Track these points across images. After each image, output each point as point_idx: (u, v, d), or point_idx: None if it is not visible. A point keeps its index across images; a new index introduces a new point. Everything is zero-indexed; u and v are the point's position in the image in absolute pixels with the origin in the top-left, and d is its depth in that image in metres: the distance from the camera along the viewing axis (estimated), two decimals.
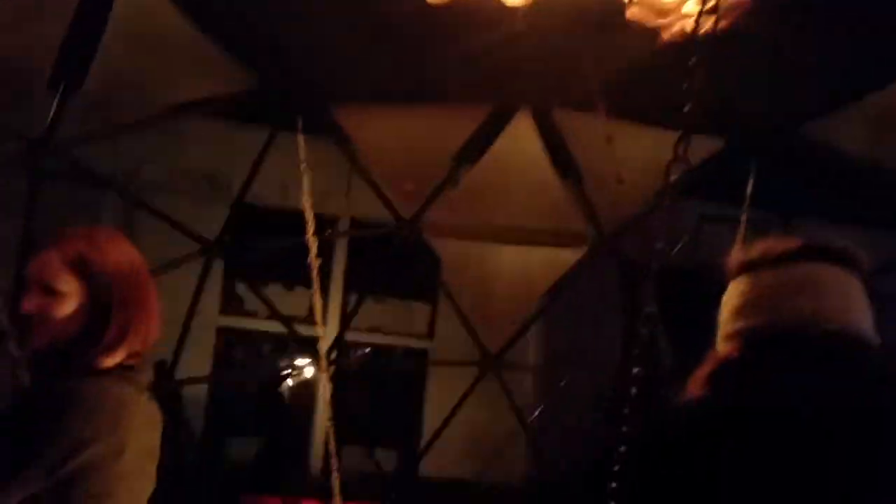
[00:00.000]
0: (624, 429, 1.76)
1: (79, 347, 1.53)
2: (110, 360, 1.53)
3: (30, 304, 1.53)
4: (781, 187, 6.35)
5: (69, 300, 1.52)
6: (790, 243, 1.21)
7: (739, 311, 1.19)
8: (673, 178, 2.16)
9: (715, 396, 1.15)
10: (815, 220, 6.67)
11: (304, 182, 3.21)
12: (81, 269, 1.53)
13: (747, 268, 1.21)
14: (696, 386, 1.19)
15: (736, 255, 1.26)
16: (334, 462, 3.14)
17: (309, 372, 10.23)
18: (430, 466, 9.84)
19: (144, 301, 1.60)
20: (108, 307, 1.54)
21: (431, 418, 10.74)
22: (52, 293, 1.52)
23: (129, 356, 1.57)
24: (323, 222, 10.30)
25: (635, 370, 1.80)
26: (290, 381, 10.01)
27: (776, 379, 1.08)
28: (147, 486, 1.64)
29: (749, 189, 5.69)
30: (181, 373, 8.42)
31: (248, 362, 12.61)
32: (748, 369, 1.13)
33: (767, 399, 1.06)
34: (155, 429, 1.65)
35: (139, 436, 1.54)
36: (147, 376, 1.63)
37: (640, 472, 1.12)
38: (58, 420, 1.40)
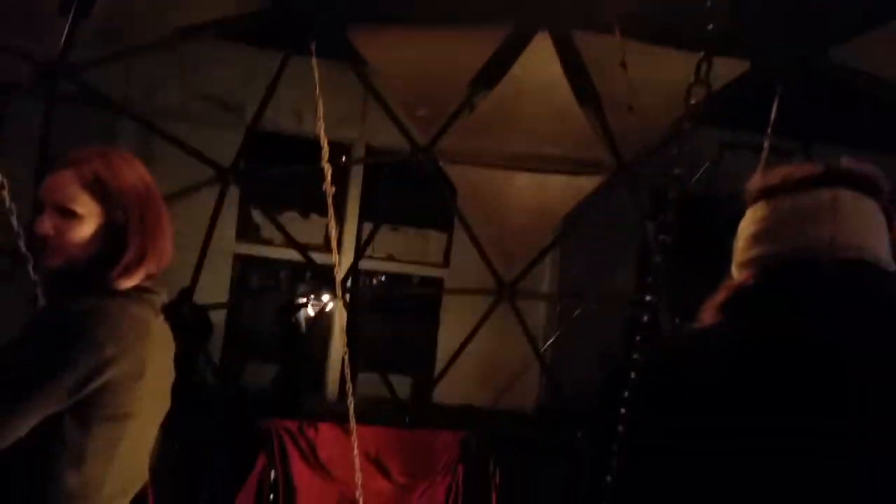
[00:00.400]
0: (636, 356, 1.73)
1: (97, 269, 1.51)
2: (128, 282, 1.51)
3: (46, 226, 1.50)
4: (804, 113, 6.20)
5: (87, 222, 1.50)
6: (810, 168, 1.15)
7: (756, 238, 1.14)
8: (694, 101, 2.09)
9: (728, 325, 1.10)
10: (838, 146, 6.52)
11: (318, 108, 3.15)
12: (98, 190, 1.50)
13: (766, 193, 1.16)
14: (708, 314, 1.14)
15: (754, 181, 1.20)
16: (350, 387, 3.18)
17: (325, 299, 10.33)
18: (443, 393, 10.01)
19: (159, 223, 1.58)
20: (125, 229, 1.51)
21: (445, 346, 10.87)
22: (69, 215, 1.49)
23: (146, 278, 1.56)
24: (338, 149, 10.24)
25: (649, 298, 1.76)
26: (307, 309, 10.12)
27: (791, 308, 1.04)
28: (163, 407, 1.65)
29: (773, 114, 5.54)
30: (200, 299, 8.53)
31: (264, 289, 12.76)
32: (763, 297, 1.08)
33: (781, 329, 1.02)
34: (170, 351, 1.65)
35: (156, 357, 1.54)
36: (161, 299, 1.61)
37: (646, 399, 1.07)
38: (82, 338, 1.38)
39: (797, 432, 0.94)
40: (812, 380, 0.96)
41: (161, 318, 1.60)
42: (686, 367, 1.06)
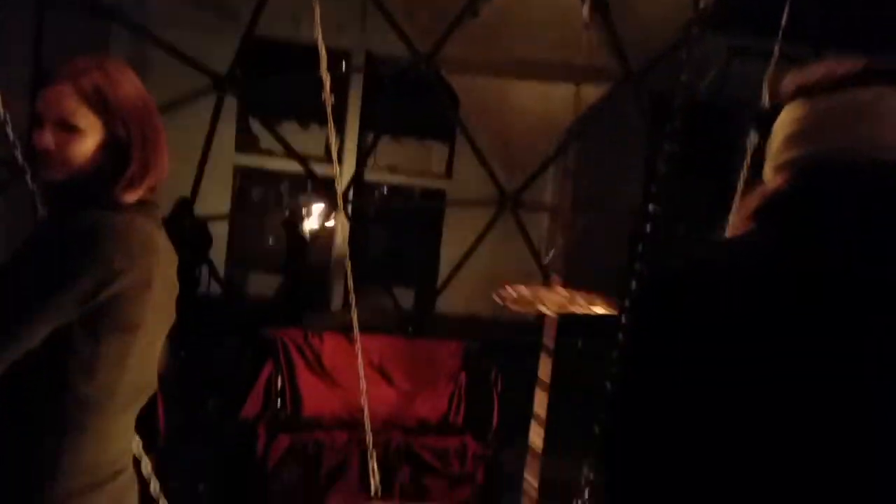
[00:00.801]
0: (638, 266, 1.71)
1: (101, 183, 1.50)
2: (132, 196, 1.50)
3: (47, 140, 1.47)
4: (816, 18, 6.01)
5: (88, 136, 1.47)
6: (851, 65, 1.06)
7: (792, 140, 1.06)
8: (703, 5, 2.00)
9: (759, 234, 1.02)
10: (849, 53, 6.34)
11: (315, 13, 3.04)
12: (98, 103, 1.46)
13: (803, 92, 1.07)
14: (739, 222, 1.06)
15: (792, 79, 1.10)
16: (353, 298, 3.20)
17: (327, 212, 10.33)
18: (446, 304, 10.13)
19: (158, 135, 1.56)
20: (127, 142, 1.49)
21: (448, 257, 10.94)
22: (70, 129, 1.46)
23: (147, 191, 1.55)
24: (337, 57, 10.02)
25: (653, 208, 1.72)
26: (310, 221, 10.13)
27: (828, 213, 0.97)
28: (169, 318, 1.66)
29: (784, 19, 5.36)
30: (200, 211, 8.52)
31: (265, 201, 12.75)
32: (798, 202, 1.00)
33: (816, 239, 0.95)
34: (173, 263, 1.65)
35: (161, 270, 1.54)
36: (161, 211, 1.61)
37: (665, 311, 0.98)
38: (90, 249, 1.38)
39: (823, 358, 0.88)
40: (848, 305, 0.89)
41: (163, 230, 1.59)
42: (713, 280, 0.96)
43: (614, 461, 0.99)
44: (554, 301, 2.44)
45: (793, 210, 1.00)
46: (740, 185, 3.20)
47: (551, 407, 6.01)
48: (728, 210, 3.26)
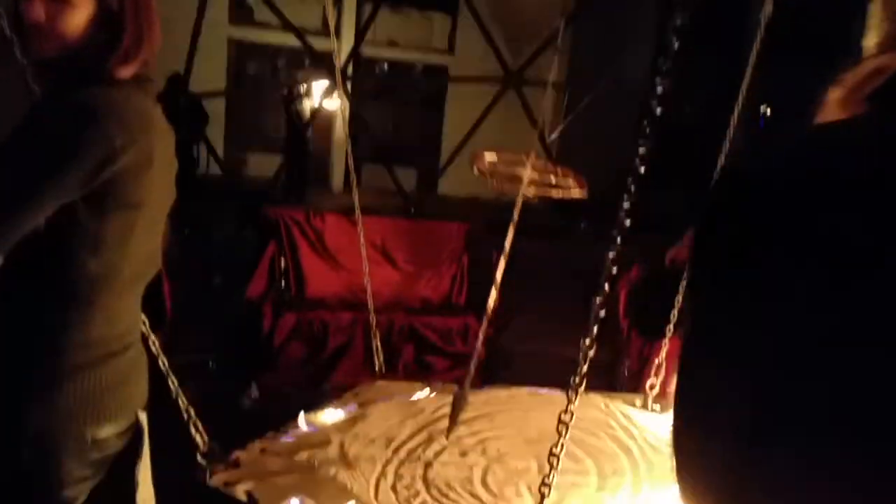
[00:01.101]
0: (642, 150, 1.65)
1: (94, 58, 1.44)
2: (127, 71, 1.46)
3: (37, 12, 1.41)
4: None
5: (80, 8, 1.41)
6: None
7: None
8: None
9: (880, 119, 0.79)
10: None
11: None
12: None
13: None
14: (840, 105, 0.83)
15: None
16: (353, 178, 3.16)
17: (327, 89, 10.06)
18: (448, 185, 10.08)
19: (150, 6, 1.49)
20: (119, 14, 1.43)
21: (450, 137, 10.77)
22: (60, 0, 1.40)
23: (142, 66, 1.50)
24: None
25: (661, 86, 1.63)
26: (309, 98, 9.88)
27: None
28: (170, 195, 1.66)
29: None
30: (195, 87, 8.31)
31: (262, 77, 12.42)
32: None
33: None
34: (170, 140, 1.63)
35: (160, 146, 1.52)
36: (157, 86, 1.56)
37: (742, 219, 0.76)
38: (91, 127, 1.35)
39: None
40: None
41: (159, 106, 1.55)
42: (825, 180, 0.73)
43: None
44: (529, 178, 2.43)
45: None
46: (752, 60, 3.08)
47: (552, 288, 6.09)
48: (736, 86, 3.15)
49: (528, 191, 2.40)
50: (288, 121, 9.92)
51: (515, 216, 2.46)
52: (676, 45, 1.64)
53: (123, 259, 1.47)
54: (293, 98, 9.92)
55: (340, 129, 10.05)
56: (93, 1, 1.42)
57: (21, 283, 1.44)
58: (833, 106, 0.82)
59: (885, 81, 0.80)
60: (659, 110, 1.62)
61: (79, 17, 1.41)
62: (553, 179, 2.23)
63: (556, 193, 2.25)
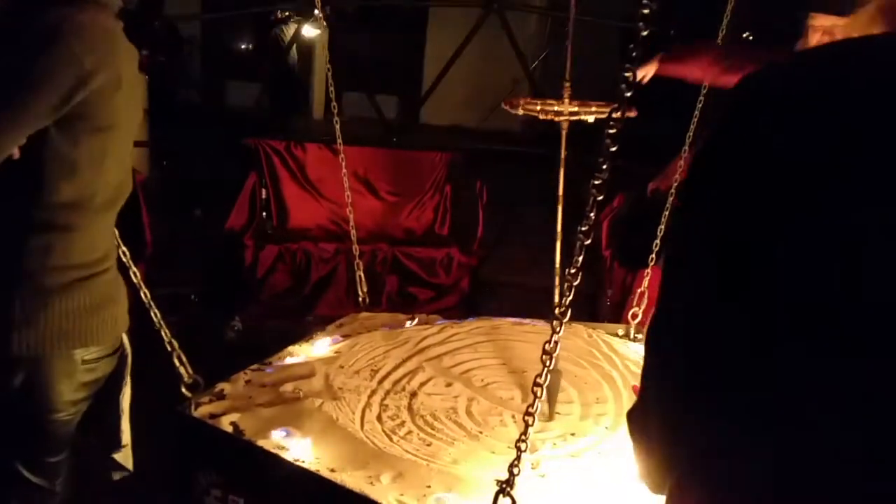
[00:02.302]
0: (627, 74, 1.60)
1: None
2: None
3: None
4: None
5: None
6: None
7: None
8: None
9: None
10: None
11: None
12: None
13: None
14: (857, 23, 0.79)
15: None
16: (335, 106, 3.09)
17: (306, 14, 9.77)
18: (431, 114, 9.91)
19: None
20: None
21: (432, 65, 10.56)
22: None
23: None
24: None
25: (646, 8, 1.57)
26: (287, 24, 9.59)
27: None
28: (138, 117, 1.64)
29: None
30: (169, 10, 8.05)
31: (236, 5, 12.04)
32: None
33: None
34: (135, 60, 1.58)
35: (126, 66, 1.49)
36: (117, 3, 1.50)
37: (742, 136, 0.72)
38: (60, 51, 1.32)
39: None
40: None
41: (121, 25, 1.50)
42: (840, 90, 0.70)
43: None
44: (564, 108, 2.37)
45: None
46: None
47: (537, 217, 6.08)
48: (719, 15, 3.08)
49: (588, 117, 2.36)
50: (268, 47, 9.65)
51: (563, 152, 2.40)
52: None
53: (98, 183, 1.47)
54: (272, 24, 9.64)
55: (320, 56, 9.82)
56: None
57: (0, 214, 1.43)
58: (853, 22, 0.79)
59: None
60: (645, 32, 1.57)
61: None
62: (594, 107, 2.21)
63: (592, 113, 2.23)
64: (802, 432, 0.68)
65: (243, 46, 11.66)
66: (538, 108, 2.39)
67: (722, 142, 0.76)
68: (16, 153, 1.36)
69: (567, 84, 2.41)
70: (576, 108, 2.35)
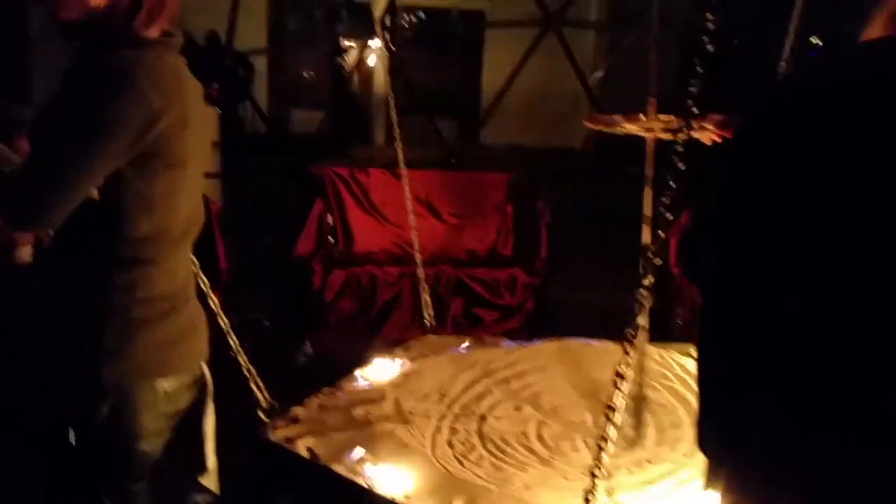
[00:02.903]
0: (693, 89, 1.59)
1: (118, 19, 1.44)
2: (153, 30, 1.46)
3: None
4: None
5: None
6: None
7: None
8: None
9: None
10: None
11: None
12: None
13: None
14: (879, 25, 0.84)
15: None
16: (396, 131, 3.13)
17: (367, 41, 9.96)
18: (490, 134, 9.95)
19: None
20: None
21: (490, 85, 10.61)
22: None
23: (168, 22, 1.50)
24: None
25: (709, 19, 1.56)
26: (351, 52, 9.80)
27: None
28: (206, 151, 1.68)
29: None
30: (238, 44, 8.31)
31: (302, 32, 12.34)
32: None
33: None
34: (200, 95, 1.64)
35: (193, 103, 1.53)
36: (180, 41, 1.55)
37: (803, 119, 0.80)
38: (129, 93, 1.37)
39: None
40: None
41: (184, 61, 1.55)
42: (857, 87, 0.77)
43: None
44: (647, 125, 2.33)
45: None
46: None
47: (600, 235, 6.03)
48: (784, 22, 3.02)
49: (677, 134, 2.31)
50: (331, 76, 9.87)
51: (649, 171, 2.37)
52: None
53: (171, 218, 1.52)
54: (336, 53, 9.87)
55: (380, 82, 9.97)
56: None
57: (84, 249, 1.50)
58: (875, 24, 0.84)
59: None
60: (709, 47, 1.56)
61: None
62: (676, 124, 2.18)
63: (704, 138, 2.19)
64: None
65: (306, 75, 11.93)
66: (638, 124, 2.34)
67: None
68: (95, 194, 1.41)
69: (653, 100, 2.38)
70: (677, 125, 2.27)
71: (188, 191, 1.57)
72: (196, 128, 1.54)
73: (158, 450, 1.63)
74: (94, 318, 1.50)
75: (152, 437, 1.60)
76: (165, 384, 1.58)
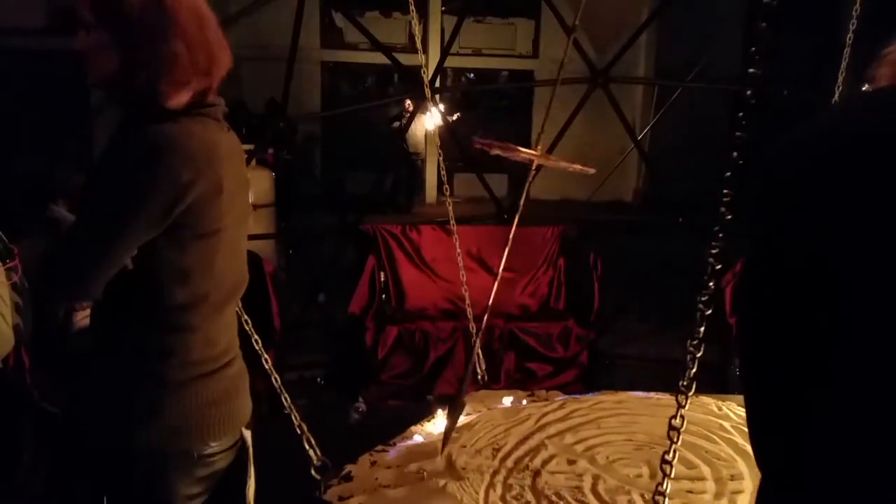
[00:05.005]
0: (740, 137, 1.59)
1: (141, 86, 1.50)
2: (181, 98, 1.47)
3: (79, 40, 1.50)
4: None
5: (95, 33, 1.45)
6: None
7: None
8: None
9: None
10: None
11: None
12: None
13: None
14: (887, 75, 0.83)
15: None
16: (447, 188, 3.18)
17: (418, 103, 10.19)
18: (540, 188, 9.99)
19: (196, 27, 1.50)
20: (134, 35, 1.44)
21: (541, 142, 10.73)
22: (85, 27, 1.49)
23: (200, 93, 1.53)
24: None
25: (752, 71, 1.57)
26: (406, 116, 10.07)
27: None
28: (246, 213, 1.69)
29: None
30: (293, 110, 8.58)
31: (354, 95, 12.71)
32: None
33: None
34: (240, 159, 1.66)
35: (230, 169, 1.54)
36: (222, 108, 1.59)
37: (793, 191, 0.78)
38: (157, 168, 1.40)
39: None
40: None
41: (226, 127, 1.59)
42: (862, 145, 0.74)
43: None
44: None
45: None
46: (849, 39, 2.93)
47: (657, 290, 5.94)
48: (836, 69, 2.99)
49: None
50: (390, 139, 10.13)
51: None
52: (765, 26, 1.58)
53: (211, 283, 1.53)
54: (395, 118, 10.17)
55: (432, 143, 10.16)
56: (103, 27, 1.47)
57: (118, 318, 1.53)
58: (883, 73, 0.83)
59: None
60: (753, 101, 1.57)
61: (95, 41, 1.47)
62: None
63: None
64: None
65: (360, 138, 12.25)
66: None
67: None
68: (129, 264, 1.45)
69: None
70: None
71: (226, 256, 1.56)
72: (233, 195, 1.55)
73: None
74: (127, 382, 1.52)
75: (186, 501, 1.57)
76: (200, 447, 1.56)
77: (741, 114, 1.57)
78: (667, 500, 1.51)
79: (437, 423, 2.60)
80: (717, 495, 2.12)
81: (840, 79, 2.94)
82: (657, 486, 1.49)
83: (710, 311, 1.52)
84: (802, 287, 0.75)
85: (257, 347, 2.02)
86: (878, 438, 0.70)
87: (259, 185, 5.75)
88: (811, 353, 0.74)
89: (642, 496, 2.08)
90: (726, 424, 2.53)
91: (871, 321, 0.71)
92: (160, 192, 1.41)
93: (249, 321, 1.81)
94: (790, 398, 0.77)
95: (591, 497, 2.09)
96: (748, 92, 1.57)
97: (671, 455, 1.50)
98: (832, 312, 0.72)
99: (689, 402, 1.51)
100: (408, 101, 9.86)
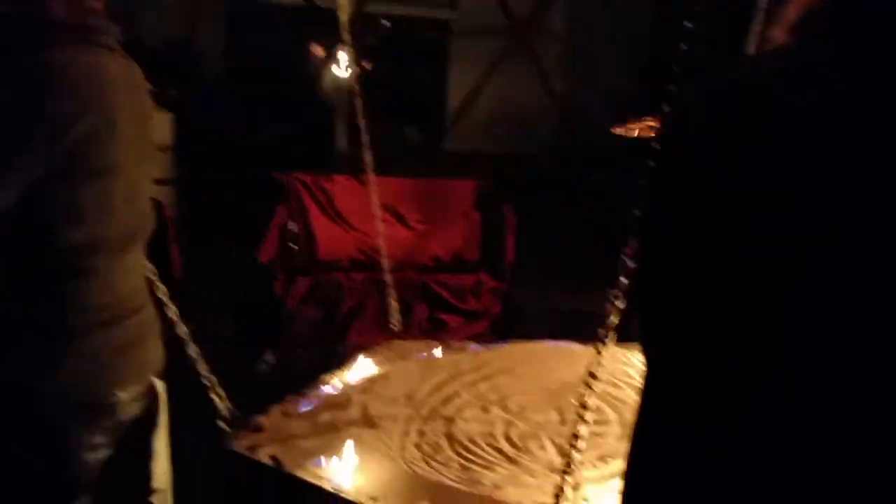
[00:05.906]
0: (666, 109, 1.61)
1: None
2: (63, 10, 1.36)
3: None
4: None
5: None
6: None
7: None
8: None
9: (804, 46, 0.82)
10: None
11: None
12: None
13: None
14: (779, 34, 0.86)
15: None
16: (364, 137, 3.10)
17: (333, 49, 9.93)
18: (456, 141, 9.98)
19: None
20: None
21: (456, 93, 10.65)
22: None
23: (85, 12, 1.42)
24: None
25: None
26: (319, 58, 9.76)
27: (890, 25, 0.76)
28: (149, 151, 1.60)
29: None
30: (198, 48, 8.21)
31: (264, 39, 12.27)
32: (853, 8, 0.79)
33: (878, 62, 0.75)
34: (141, 91, 1.55)
35: (126, 101, 1.45)
36: (115, 37, 1.48)
37: (693, 135, 0.81)
38: (35, 100, 1.30)
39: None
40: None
41: (121, 58, 1.48)
42: (748, 100, 0.78)
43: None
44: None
45: (846, 23, 0.79)
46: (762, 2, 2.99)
47: (568, 244, 6.05)
48: (746, 31, 3.06)
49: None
50: (300, 85, 9.81)
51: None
52: None
53: (109, 225, 1.44)
54: (310, 62, 9.83)
55: (345, 89, 9.94)
56: None
57: (9, 262, 1.43)
58: (775, 35, 0.85)
59: (803, 13, 0.82)
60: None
61: None
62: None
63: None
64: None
65: (272, 82, 11.87)
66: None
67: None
68: (9, 206, 1.33)
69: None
70: None
71: (126, 196, 1.48)
72: (132, 130, 1.46)
73: (96, 465, 1.54)
74: (28, 333, 1.44)
75: (91, 451, 1.51)
76: (105, 396, 1.50)
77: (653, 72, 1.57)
78: (581, 443, 1.53)
79: (349, 374, 2.57)
80: (622, 437, 2.19)
81: (752, 35, 3.00)
82: (574, 432, 1.51)
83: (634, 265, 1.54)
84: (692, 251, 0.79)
85: (162, 297, 1.93)
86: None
87: (158, 127, 5.50)
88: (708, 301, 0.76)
89: (552, 440, 2.12)
90: (631, 371, 2.61)
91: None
92: (41, 129, 1.30)
93: (156, 271, 1.71)
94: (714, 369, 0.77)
95: (503, 442, 2.12)
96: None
97: (588, 400, 1.52)
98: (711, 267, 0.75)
99: (605, 350, 1.53)
100: (318, 47, 9.57)
